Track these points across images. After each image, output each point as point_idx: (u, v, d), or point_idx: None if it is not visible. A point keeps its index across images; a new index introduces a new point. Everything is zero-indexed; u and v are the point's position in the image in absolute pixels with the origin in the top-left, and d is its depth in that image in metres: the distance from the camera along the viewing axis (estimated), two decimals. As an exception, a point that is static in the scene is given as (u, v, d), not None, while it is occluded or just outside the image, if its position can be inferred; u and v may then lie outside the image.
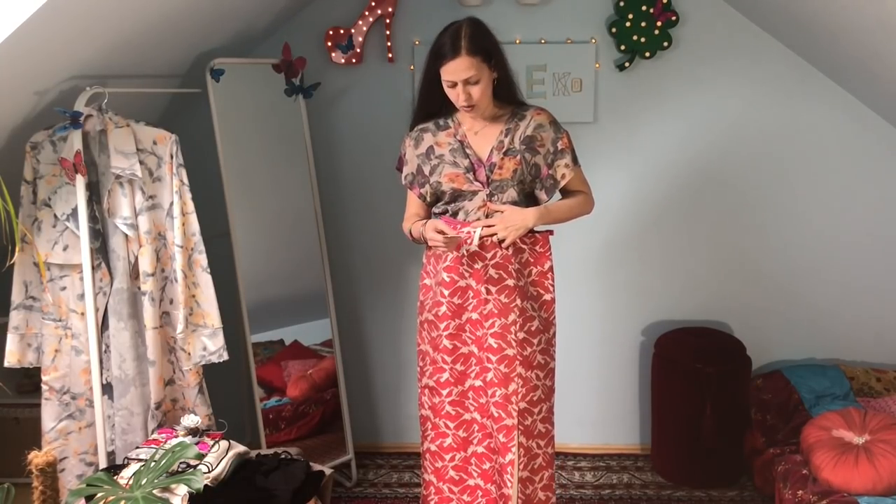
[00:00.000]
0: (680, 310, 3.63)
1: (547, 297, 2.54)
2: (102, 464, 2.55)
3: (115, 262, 2.62)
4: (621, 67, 3.42)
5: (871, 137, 3.43)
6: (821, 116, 3.44)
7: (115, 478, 2.25)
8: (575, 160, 2.55)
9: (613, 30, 3.36)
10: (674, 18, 3.32)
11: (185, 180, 2.60)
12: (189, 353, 2.66)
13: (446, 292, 2.48)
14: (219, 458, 2.38)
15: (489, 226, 2.42)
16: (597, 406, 3.71)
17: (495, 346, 2.45)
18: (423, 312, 2.58)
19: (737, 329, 3.59)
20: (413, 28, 3.43)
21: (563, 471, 3.55)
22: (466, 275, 2.47)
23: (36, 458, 2.15)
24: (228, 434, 2.56)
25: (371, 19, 3.37)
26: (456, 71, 2.34)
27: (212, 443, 2.45)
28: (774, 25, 3.32)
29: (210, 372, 2.76)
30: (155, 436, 2.55)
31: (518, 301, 2.45)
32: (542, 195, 2.52)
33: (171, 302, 2.65)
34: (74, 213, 2.52)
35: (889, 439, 2.75)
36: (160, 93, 3.14)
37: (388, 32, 3.39)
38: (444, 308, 2.49)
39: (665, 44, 3.35)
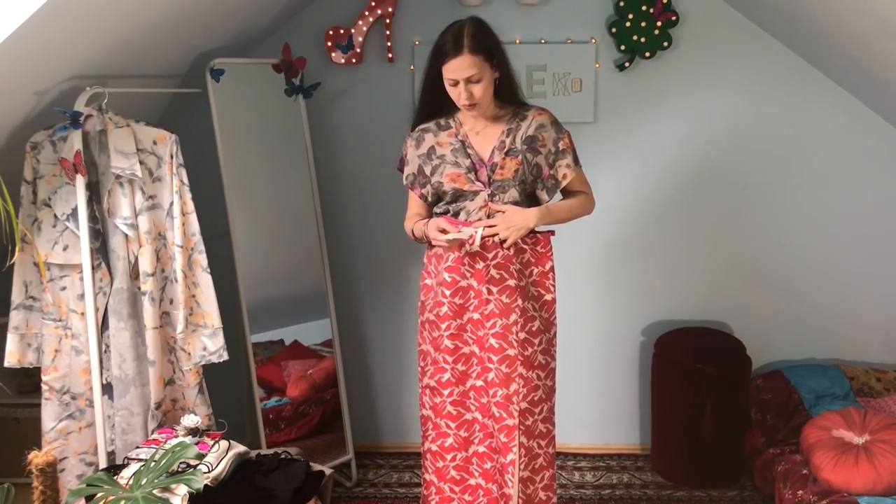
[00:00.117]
0: (680, 310, 3.63)
1: (548, 297, 2.54)
2: (102, 464, 2.55)
3: (115, 262, 2.62)
4: (621, 67, 3.42)
5: (871, 137, 3.43)
6: (821, 116, 3.44)
7: (115, 478, 2.25)
8: (576, 160, 2.55)
9: (613, 30, 3.36)
10: (674, 18, 3.32)
11: (185, 180, 2.60)
12: (189, 353, 2.66)
13: (448, 292, 2.48)
14: (219, 458, 2.37)
15: (491, 226, 2.42)
16: (597, 406, 3.71)
17: (496, 346, 2.45)
18: (424, 312, 2.58)
19: (737, 329, 3.59)
20: (413, 28, 3.43)
21: (563, 471, 3.55)
22: (468, 275, 2.47)
23: (36, 458, 2.15)
24: (228, 434, 2.56)
25: (371, 19, 3.37)
26: (458, 69, 2.34)
27: (212, 443, 2.45)
28: (774, 25, 3.32)
29: (210, 372, 2.76)
30: (155, 436, 2.55)
31: (519, 301, 2.45)
32: (543, 195, 2.52)
33: (171, 302, 2.65)
34: (74, 213, 2.52)
35: (889, 439, 2.75)
36: (160, 93, 3.14)
37: (388, 32, 3.39)
38: (445, 308, 2.49)
39: (665, 44, 3.35)
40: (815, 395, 3.29)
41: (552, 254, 2.55)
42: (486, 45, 2.36)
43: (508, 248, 2.45)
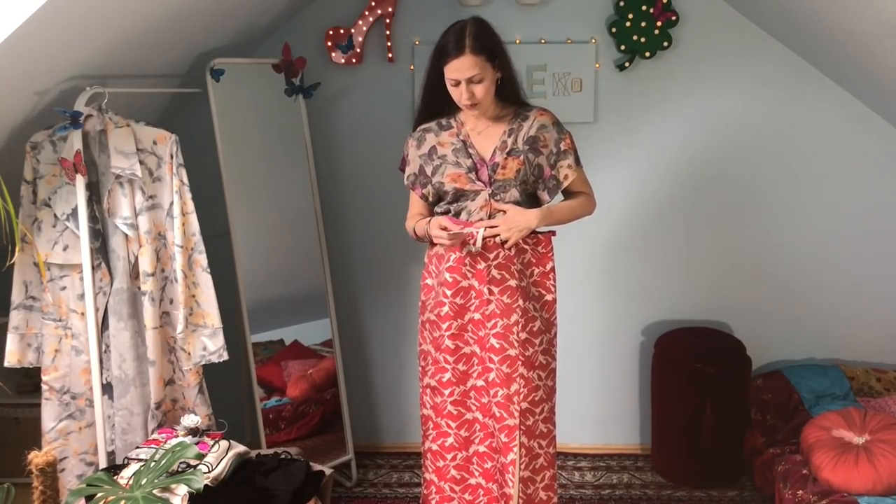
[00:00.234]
0: (680, 310, 3.63)
1: (549, 297, 2.55)
2: (102, 464, 2.55)
3: (115, 262, 2.62)
4: (621, 67, 3.42)
5: (871, 137, 3.43)
6: (821, 116, 3.44)
7: (115, 478, 2.25)
8: (577, 161, 2.55)
9: (613, 30, 3.36)
10: (674, 18, 3.32)
11: (185, 180, 2.60)
12: (189, 353, 2.66)
13: (449, 293, 2.48)
14: (219, 458, 2.37)
15: (492, 227, 2.42)
16: (597, 406, 3.71)
17: (497, 346, 2.45)
18: (424, 312, 2.58)
19: (737, 329, 3.59)
20: (413, 28, 3.43)
21: (563, 471, 3.55)
22: (469, 275, 2.47)
23: (36, 458, 2.15)
24: (228, 434, 2.56)
25: (371, 19, 3.37)
26: (460, 69, 2.34)
27: (212, 443, 2.45)
28: (774, 25, 3.32)
29: (210, 372, 2.76)
30: (155, 436, 2.55)
31: (520, 301, 2.46)
32: (544, 196, 2.52)
33: (171, 302, 2.65)
34: (74, 213, 2.52)
35: (889, 439, 2.75)
36: (160, 93, 3.14)
37: (388, 32, 3.39)
38: (446, 308, 2.49)
39: (665, 44, 3.35)
40: (815, 395, 3.29)
41: (553, 254, 2.55)
42: (489, 45, 2.36)
43: (509, 249, 2.45)
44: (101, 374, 2.57)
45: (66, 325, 2.60)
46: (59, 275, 2.59)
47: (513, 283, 2.45)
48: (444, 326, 2.50)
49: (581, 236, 3.39)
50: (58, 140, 2.52)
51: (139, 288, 2.62)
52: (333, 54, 3.42)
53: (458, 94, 2.39)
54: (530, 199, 2.52)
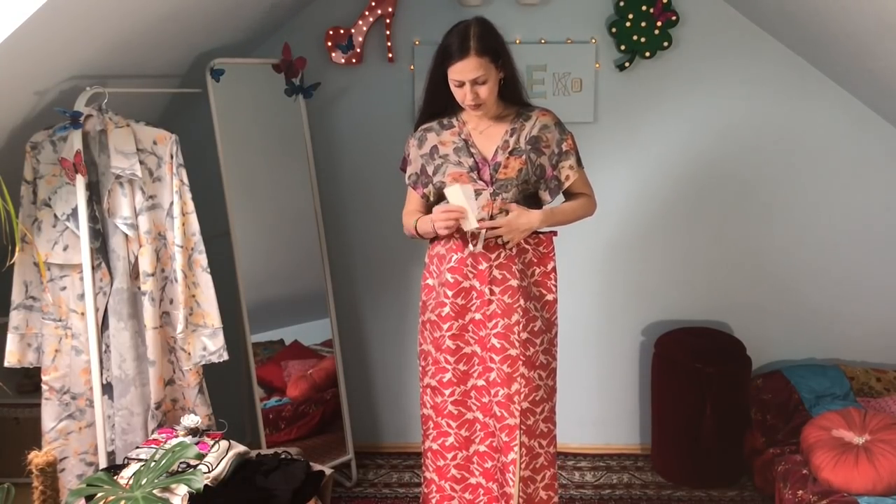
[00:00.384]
0: (680, 310, 3.63)
1: (549, 297, 2.55)
2: (102, 464, 2.55)
3: (115, 262, 2.62)
4: (621, 67, 3.42)
5: (871, 137, 3.43)
6: (821, 116, 3.44)
7: (115, 478, 2.25)
8: (579, 162, 2.55)
9: (613, 30, 3.36)
10: (674, 18, 3.32)
11: (185, 180, 2.60)
12: (189, 353, 2.66)
13: (450, 293, 2.48)
14: (219, 458, 2.37)
15: (494, 227, 2.41)
16: (597, 406, 3.71)
17: (498, 346, 2.45)
18: (425, 312, 2.58)
19: (737, 329, 3.59)
20: (413, 28, 3.43)
21: (563, 471, 3.55)
22: (471, 276, 2.47)
23: (36, 458, 2.15)
24: (228, 434, 2.56)
25: (371, 19, 3.37)
26: (464, 71, 2.34)
27: (212, 443, 2.45)
28: (774, 25, 3.32)
29: (210, 372, 2.76)
30: (155, 436, 2.54)
31: (521, 301, 2.46)
32: (545, 196, 2.52)
33: (171, 302, 2.65)
34: (74, 213, 2.52)
35: (889, 439, 2.75)
36: (160, 93, 3.14)
37: (388, 32, 3.39)
38: (447, 308, 2.49)
39: (665, 44, 3.35)
40: (815, 395, 3.29)
41: (554, 254, 2.55)
42: (492, 46, 2.36)
43: (511, 249, 2.45)
44: (101, 374, 2.57)
45: (66, 325, 2.60)
46: (59, 275, 2.59)
47: (514, 282, 2.45)
48: (445, 327, 2.50)
49: (581, 236, 3.38)
50: (58, 140, 2.52)
51: (139, 288, 2.62)
52: (333, 54, 3.42)
53: (462, 95, 2.39)
54: (530, 200, 2.52)
